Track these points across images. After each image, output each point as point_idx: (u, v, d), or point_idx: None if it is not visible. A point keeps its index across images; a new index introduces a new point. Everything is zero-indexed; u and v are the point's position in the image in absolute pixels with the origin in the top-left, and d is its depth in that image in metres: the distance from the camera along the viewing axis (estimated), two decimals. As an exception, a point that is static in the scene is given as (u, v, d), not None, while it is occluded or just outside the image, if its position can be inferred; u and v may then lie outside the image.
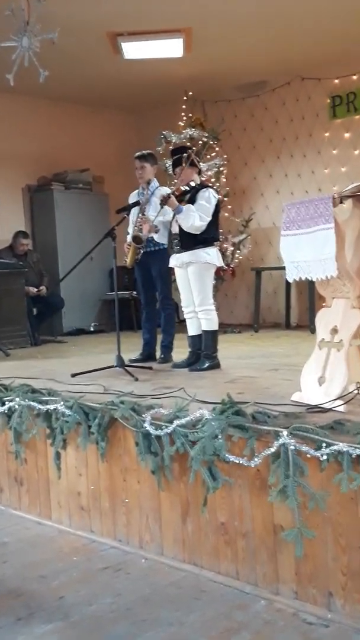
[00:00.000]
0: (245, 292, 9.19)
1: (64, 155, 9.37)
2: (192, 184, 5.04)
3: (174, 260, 5.17)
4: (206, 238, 5.02)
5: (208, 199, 4.98)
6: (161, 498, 3.44)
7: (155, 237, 5.45)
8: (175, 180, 5.12)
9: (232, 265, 8.28)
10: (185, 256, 5.03)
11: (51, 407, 3.92)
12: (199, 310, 5.05)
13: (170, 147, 6.48)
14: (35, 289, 7.91)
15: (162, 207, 5.06)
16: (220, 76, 8.47)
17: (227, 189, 8.46)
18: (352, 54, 7.64)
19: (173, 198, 4.92)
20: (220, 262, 5.16)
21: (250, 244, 8.45)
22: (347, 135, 8.19)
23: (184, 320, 5.32)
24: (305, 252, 3.35)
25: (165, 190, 5.46)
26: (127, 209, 5.46)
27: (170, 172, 6.93)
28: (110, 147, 9.86)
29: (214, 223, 5.04)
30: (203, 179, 7.78)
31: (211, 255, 5.03)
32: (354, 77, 8.00)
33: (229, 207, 8.57)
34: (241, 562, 3.09)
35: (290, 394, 3.58)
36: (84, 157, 9.50)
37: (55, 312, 8.52)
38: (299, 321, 8.60)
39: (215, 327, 5.09)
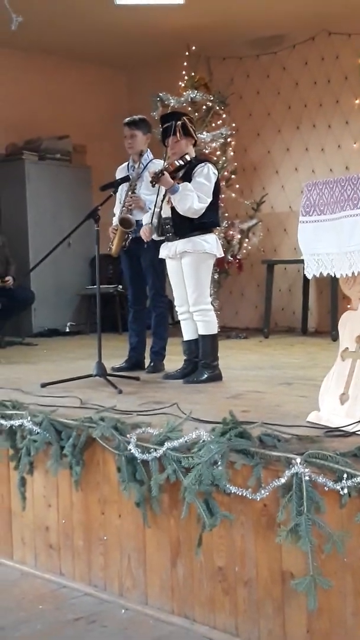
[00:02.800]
0: (254, 290, 9.20)
1: (39, 119, 9.36)
2: (188, 157, 5.05)
3: (166, 250, 5.17)
4: (204, 223, 5.03)
5: (207, 176, 4.99)
6: (147, 536, 3.43)
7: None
8: (168, 155, 5.11)
9: (239, 257, 8.29)
10: (180, 245, 5.03)
11: (16, 423, 3.91)
12: (193, 310, 5.05)
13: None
14: (0, 280, 7.91)
15: (153, 186, 5.06)
16: (230, 28, 8.47)
17: (235, 164, 8.47)
18: (390, 5, 7.68)
19: (167, 175, 4.93)
20: (220, 253, 5.17)
21: (261, 231, 8.46)
22: (381, 103, 8.25)
23: (178, 322, 5.32)
24: (327, 243, 3.36)
25: (159, 163, 5.46)
26: (114, 185, 5.46)
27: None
28: (95, 111, 9.86)
29: (213, 205, 5.05)
30: (205, 151, 7.84)
31: (210, 244, 5.04)
32: (392, 33, 8.06)
33: (237, 186, 8.58)
34: (242, 615, 3.09)
35: (306, 414, 3.59)
36: (63, 122, 9.50)
37: (24, 309, 8.52)
38: (319, 326, 8.61)
39: (214, 330, 5.09)
